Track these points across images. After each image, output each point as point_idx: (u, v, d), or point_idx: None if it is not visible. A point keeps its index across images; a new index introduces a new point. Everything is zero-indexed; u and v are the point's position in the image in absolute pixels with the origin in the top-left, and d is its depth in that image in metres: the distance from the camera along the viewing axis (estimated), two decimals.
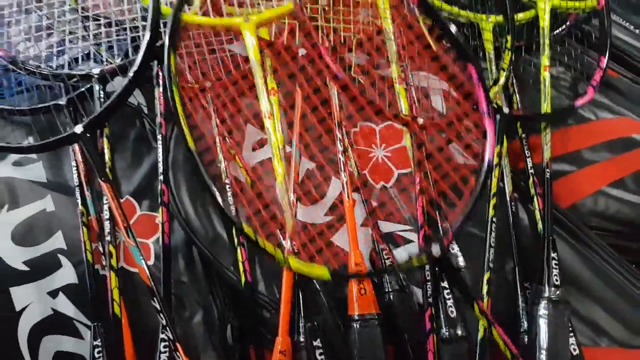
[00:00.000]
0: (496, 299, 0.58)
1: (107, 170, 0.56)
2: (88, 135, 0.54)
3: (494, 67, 0.71)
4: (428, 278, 0.54)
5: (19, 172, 0.66)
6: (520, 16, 0.76)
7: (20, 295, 0.60)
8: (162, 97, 0.63)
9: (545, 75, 0.69)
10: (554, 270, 0.56)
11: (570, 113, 0.70)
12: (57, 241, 0.63)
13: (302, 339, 0.54)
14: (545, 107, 0.67)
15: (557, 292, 0.55)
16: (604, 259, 0.63)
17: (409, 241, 0.63)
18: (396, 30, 0.68)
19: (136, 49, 0.63)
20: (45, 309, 0.60)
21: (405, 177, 0.67)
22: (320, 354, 0.51)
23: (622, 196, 0.68)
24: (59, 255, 0.62)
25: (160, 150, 0.61)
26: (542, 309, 0.53)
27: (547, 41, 0.72)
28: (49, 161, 0.67)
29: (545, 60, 0.70)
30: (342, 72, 0.58)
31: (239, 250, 0.60)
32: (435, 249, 0.52)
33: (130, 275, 0.59)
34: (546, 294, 0.55)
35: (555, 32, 0.77)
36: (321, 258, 0.56)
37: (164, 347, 0.52)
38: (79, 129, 0.53)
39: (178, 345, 0.48)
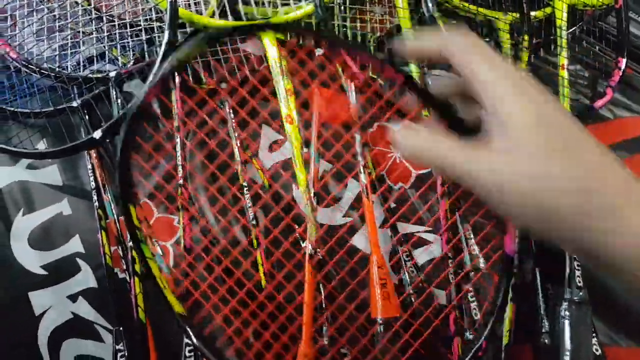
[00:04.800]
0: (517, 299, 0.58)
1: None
2: (107, 140, 0.53)
3: None
4: (452, 281, 0.54)
5: (33, 176, 0.66)
6: (536, 14, 0.76)
7: (39, 299, 0.60)
8: (180, 100, 0.62)
9: (564, 74, 0.68)
10: (576, 271, 0.56)
11: (590, 114, 0.70)
12: (75, 245, 0.63)
13: (325, 343, 0.54)
14: (564, 107, 0.67)
15: (580, 294, 0.55)
16: None
17: (429, 242, 0.63)
18: None
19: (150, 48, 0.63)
20: (65, 313, 0.60)
21: (425, 178, 0.66)
22: None
23: None
24: (77, 259, 0.62)
25: (179, 154, 0.60)
26: (565, 311, 0.54)
27: (564, 39, 0.71)
28: (64, 164, 0.66)
29: (563, 59, 0.69)
30: (363, 74, 0.58)
31: (258, 253, 0.60)
32: None
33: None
34: (569, 296, 0.55)
35: (571, 30, 0.77)
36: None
37: (189, 351, 0.52)
38: (97, 134, 0.53)
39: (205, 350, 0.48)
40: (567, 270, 0.56)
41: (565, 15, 0.74)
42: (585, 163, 0.28)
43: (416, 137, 0.32)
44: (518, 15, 0.73)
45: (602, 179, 0.27)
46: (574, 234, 0.28)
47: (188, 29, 0.63)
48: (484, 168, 0.29)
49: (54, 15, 0.65)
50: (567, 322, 0.53)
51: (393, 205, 0.65)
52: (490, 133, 0.30)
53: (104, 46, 0.65)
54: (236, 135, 0.66)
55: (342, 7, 0.71)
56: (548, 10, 0.76)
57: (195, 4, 0.62)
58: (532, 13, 0.74)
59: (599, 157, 0.28)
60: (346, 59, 0.57)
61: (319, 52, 0.68)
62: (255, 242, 0.61)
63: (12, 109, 0.63)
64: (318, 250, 0.53)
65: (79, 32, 0.65)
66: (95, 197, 0.61)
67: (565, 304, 0.54)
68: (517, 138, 0.28)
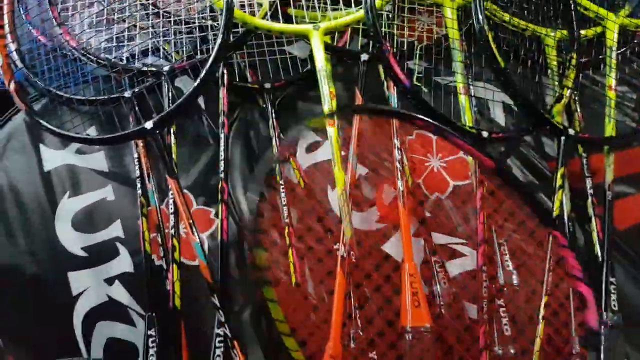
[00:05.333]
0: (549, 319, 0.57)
1: (174, 165, 0.57)
2: (157, 131, 0.55)
3: (556, 83, 0.70)
4: (485, 295, 0.54)
5: (81, 160, 0.68)
6: (586, 32, 0.75)
7: (77, 280, 0.62)
8: (226, 97, 0.64)
9: (612, 94, 0.67)
10: (612, 295, 0.55)
11: (635, 137, 0.69)
12: (116, 230, 0.65)
13: (352, 346, 0.54)
14: (610, 129, 0.66)
15: (615, 318, 0.54)
16: None
17: (462, 255, 0.63)
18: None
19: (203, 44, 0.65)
20: (101, 295, 0.62)
21: (460, 190, 0.66)
22: None
23: None
24: (117, 244, 0.64)
25: (222, 149, 0.62)
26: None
27: (614, 60, 0.70)
28: (110, 151, 0.69)
29: (611, 80, 0.68)
30: (409, 81, 0.58)
31: (290, 251, 0.61)
32: None
33: (186, 268, 0.60)
34: (604, 319, 0.54)
35: (621, 51, 0.76)
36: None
37: (219, 341, 0.53)
38: (149, 124, 0.54)
39: (235, 342, 0.49)
40: (603, 293, 0.55)
41: (616, 35, 0.73)
42: None
43: None
44: (567, 32, 0.73)
45: None
46: None
47: (240, 29, 0.65)
48: None
49: (113, 8, 0.68)
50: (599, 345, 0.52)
51: (428, 214, 0.65)
52: None
53: (158, 41, 0.67)
54: (276, 133, 0.67)
55: (391, 15, 0.71)
56: (598, 29, 0.75)
57: (249, 5, 0.64)
58: (582, 31, 0.74)
59: None
60: (393, 65, 0.58)
61: (364, 57, 0.69)
62: (287, 239, 0.62)
63: (67, 95, 0.66)
64: (353, 253, 0.54)
65: (135, 25, 0.68)
66: (139, 185, 0.63)
67: (600, 327, 0.53)
68: None
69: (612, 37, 0.73)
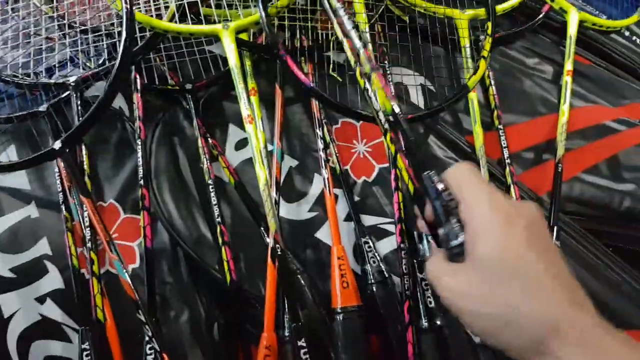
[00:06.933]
0: None
1: (88, 180, 0.56)
2: (67, 150, 0.54)
3: (470, 62, 0.72)
4: (406, 271, 0.55)
5: (1, 180, 0.66)
6: (501, 7, 0.78)
7: (7, 302, 0.61)
8: (140, 102, 0.63)
9: (566, 80, 0.73)
10: None
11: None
12: (43, 247, 0.63)
13: (287, 334, 0.54)
14: (565, 109, 0.71)
15: None
16: (581, 244, 0.65)
17: (391, 234, 0.64)
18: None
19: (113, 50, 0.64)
20: (33, 315, 0.61)
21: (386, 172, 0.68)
22: (305, 353, 0.52)
23: (596, 182, 0.70)
24: (45, 261, 0.63)
25: (139, 155, 0.61)
26: None
27: (573, 48, 0.76)
28: (32, 168, 0.67)
29: (568, 65, 0.74)
30: (309, 81, 0.59)
31: (223, 250, 0.61)
32: None
33: (116, 278, 0.59)
34: None
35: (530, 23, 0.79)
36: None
37: (150, 349, 0.53)
38: (57, 145, 0.52)
39: (165, 355, 0.49)
40: None
41: (576, 27, 0.77)
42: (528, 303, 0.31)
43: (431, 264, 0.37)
44: (477, 11, 0.75)
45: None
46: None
47: (148, 33, 0.64)
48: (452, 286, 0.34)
49: (18, 26, 0.66)
50: None
51: (357, 198, 0.67)
52: (466, 252, 0.34)
53: (68, 52, 0.66)
54: (202, 134, 0.67)
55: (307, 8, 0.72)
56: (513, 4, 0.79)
57: (155, 8, 0.63)
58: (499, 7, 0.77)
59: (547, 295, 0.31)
60: (291, 67, 0.59)
61: None
62: (220, 239, 0.62)
63: None
64: (279, 244, 0.54)
65: (44, 39, 0.66)
66: (61, 200, 0.62)
67: None
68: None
69: (572, 26, 0.77)
